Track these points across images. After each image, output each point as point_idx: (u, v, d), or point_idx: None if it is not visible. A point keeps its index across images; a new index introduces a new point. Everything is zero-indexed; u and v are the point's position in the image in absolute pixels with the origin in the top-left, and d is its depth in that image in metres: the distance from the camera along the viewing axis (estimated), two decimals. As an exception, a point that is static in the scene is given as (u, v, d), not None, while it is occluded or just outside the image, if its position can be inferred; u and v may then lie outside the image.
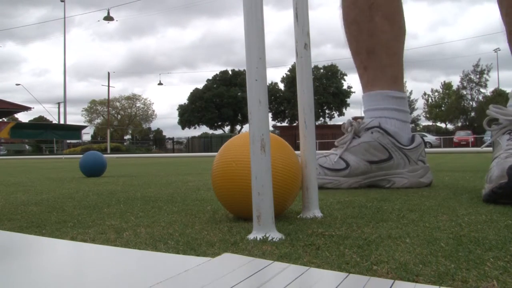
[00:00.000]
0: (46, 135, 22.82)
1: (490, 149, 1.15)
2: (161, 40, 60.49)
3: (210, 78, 35.27)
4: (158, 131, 42.14)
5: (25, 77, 60.23)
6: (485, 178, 1.04)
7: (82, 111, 41.68)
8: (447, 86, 34.57)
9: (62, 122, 28.29)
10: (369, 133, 1.36)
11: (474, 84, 31.86)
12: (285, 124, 33.11)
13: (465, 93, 32.32)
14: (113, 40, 61.63)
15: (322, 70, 32.65)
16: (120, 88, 64.59)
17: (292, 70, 31.79)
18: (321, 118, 32.85)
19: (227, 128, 35.53)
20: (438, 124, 35.32)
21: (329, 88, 32.07)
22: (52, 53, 63.93)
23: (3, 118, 27.52)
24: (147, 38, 61.23)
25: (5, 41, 54.59)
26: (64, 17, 26.33)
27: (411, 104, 36.30)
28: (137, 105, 40.68)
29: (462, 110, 32.30)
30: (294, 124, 30.17)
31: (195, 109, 33.54)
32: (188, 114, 33.89)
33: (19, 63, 63.33)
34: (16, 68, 61.42)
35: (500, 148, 1.05)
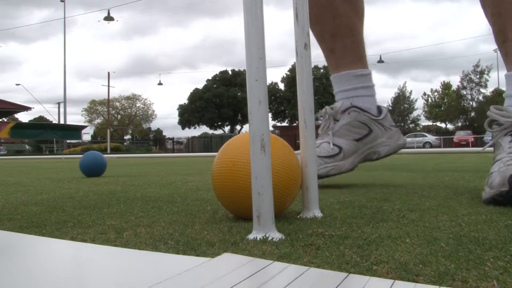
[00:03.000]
0: (46, 135, 22.81)
1: (491, 149, 1.15)
2: (163, 41, 60.52)
3: (210, 78, 35.30)
4: (158, 131, 42.14)
5: (26, 77, 60.32)
6: (486, 180, 1.03)
7: (82, 111, 41.70)
8: (446, 86, 34.57)
9: (62, 122, 28.29)
10: (347, 114, 1.43)
11: (474, 84, 31.87)
12: (285, 124, 33.11)
13: (465, 93, 32.33)
14: (115, 41, 61.62)
15: (322, 70, 32.63)
16: (121, 88, 64.61)
17: (292, 70, 31.79)
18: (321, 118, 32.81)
19: (227, 128, 35.54)
20: (438, 124, 35.33)
21: (329, 88, 32.05)
22: (54, 53, 63.94)
23: (3, 118, 27.52)
24: (149, 38, 61.26)
25: (8, 42, 54.68)
26: (64, 17, 26.33)
27: (411, 104, 36.30)
28: (137, 105, 40.70)
29: (462, 110, 32.30)
30: (294, 124, 30.17)
31: (195, 109, 33.53)
32: (188, 114, 33.89)
33: (21, 64, 63.39)
34: (18, 69, 61.48)
35: (502, 150, 1.04)
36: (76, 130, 25.05)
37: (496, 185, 0.93)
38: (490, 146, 1.16)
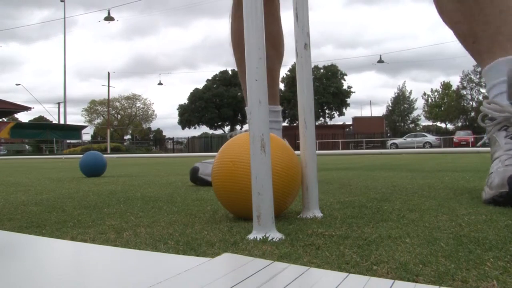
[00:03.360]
0: (46, 135, 22.82)
1: (490, 149, 1.15)
2: (163, 41, 60.53)
3: (210, 78, 35.30)
4: (158, 131, 42.15)
5: (27, 77, 60.32)
6: (485, 180, 1.03)
7: (82, 111, 41.68)
8: (446, 86, 34.58)
9: (62, 122, 28.28)
10: None
11: (474, 84, 31.87)
12: (285, 124, 33.14)
13: (465, 93, 32.33)
14: (115, 41, 61.71)
15: (322, 70, 32.63)
16: (121, 88, 64.68)
17: (292, 70, 31.75)
18: (321, 118, 32.84)
19: (227, 128, 35.53)
20: (438, 124, 35.34)
21: (329, 88, 32.04)
22: (54, 53, 64.05)
23: (3, 118, 27.52)
24: (149, 38, 61.28)
25: (9, 42, 54.70)
26: (64, 17, 26.33)
27: (411, 104, 36.30)
28: (137, 105, 40.71)
29: (462, 110, 32.31)
30: (294, 124, 30.15)
31: (195, 109, 33.54)
32: (188, 114, 33.89)
33: (22, 64, 63.39)
34: (19, 69, 61.49)
35: (499, 147, 1.03)
36: (76, 130, 25.06)
37: (495, 186, 0.92)
38: (485, 142, 1.14)
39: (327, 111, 33.04)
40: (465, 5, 1.11)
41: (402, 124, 35.41)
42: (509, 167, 0.92)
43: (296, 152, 0.86)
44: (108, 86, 27.60)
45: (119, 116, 40.75)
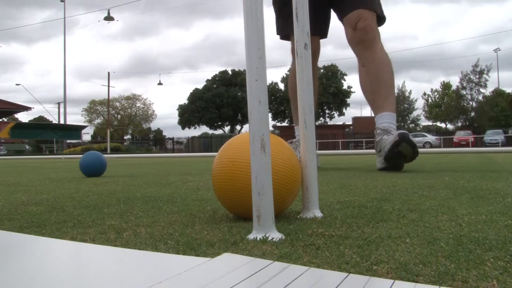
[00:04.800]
0: (46, 135, 22.82)
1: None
2: (163, 41, 60.55)
3: (210, 78, 35.31)
4: (158, 131, 42.13)
5: (28, 77, 60.35)
6: (377, 159, 2.19)
7: (82, 111, 41.69)
8: (446, 86, 34.56)
9: (62, 122, 28.29)
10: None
11: (473, 84, 31.86)
12: (285, 124, 33.11)
13: (464, 93, 32.32)
14: (116, 41, 61.67)
15: (322, 70, 32.61)
16: (122, 88, 64.68)
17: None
18: (321, 118, 32.84)
19: (227, 128, 35.54)
20: (438, 124, 35.33)
21: (329, 88, 32.03)
22: (55, 54, 64.02)
23: (3, 118, 27.51)
24: (150, 38, 61.29)
25: (10, 43, 54.71)
26: (64, 17, 26.33)
27: (410, 104, 36.29)
28: (137, 105, 40.71)
29: (462, 110, 32.29)
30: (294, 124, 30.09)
31: (195, 109, 33.53)
32: (188, 114, 33.88)
33: (23, 64, 63.40)
34: (20, 69, 61.51)
35: (385, 138, 2.26)
36: (76, 130, 25.05)
37: (389, 145, 1.92)
38: (375, 147, 2.44)
39: (327, 111, 33.04)
40: (367, 81, 2.50)
41: (402, 124, 35.41)
42: (388, 140, 2.09)
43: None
44: (108, 86, 27.60)
45: (119, 116, 40.74)
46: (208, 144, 27.83)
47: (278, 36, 2.85)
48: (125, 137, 39.55)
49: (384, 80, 2.43)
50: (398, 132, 2.09)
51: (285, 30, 2.76)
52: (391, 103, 2.47)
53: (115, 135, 37.31)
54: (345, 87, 33.70)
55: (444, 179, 1.69)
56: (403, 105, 36.12)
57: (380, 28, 2.55)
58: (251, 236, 0.66)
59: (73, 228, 0.80)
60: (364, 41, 2.42)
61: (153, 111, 45.44)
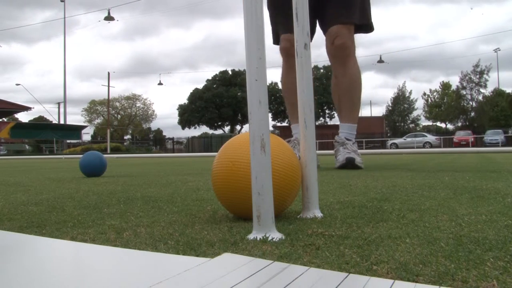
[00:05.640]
0: (46, 135, 22.83)
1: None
2: (163, 41, 60.54)
3: (210, 78, 35.31)
4: (158, 131, 42.13)
5: (28, 77, 60.32)
6: (335, 161, 2.73)
7: (82, 111, 41.68)
8: (446, 86, 34.56)
9: (62, 122, 28.28)
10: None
11: (473, 84, 31.85)
12: (285, 124, 33.11)
13: (464, 93, 32.30)
14: (116, 41, 61.65)
15: (322, 70, 32.60)
16: (122, 88, 64.75)
17: (292, 70, 31.65)
18: (321, 118, 32.83)
19: (227, 128, 35.53)
20: (438, 124, 35.32)
21: (329, 88, 32.00)
22: (55, 54, 63.98)
23: (3, 118, 27.51)
24: (150, 39, 61.28)
25: (10, 43, 54.72)
26: (64, 17, 26.32)
27: (411, 104, 36.28)
28: (137, 105, 40.71)
29: (462, 110, 32.28)
30: (294, 124, 30.06)
31: (195, 109, 33.53)
32: (188, 114, 33.88)
33: (23, 64, 63.36)
34: (20, 69, 61.48)
35: (340, 151, 2.73)
36: (76, 130, 25.06)
37: (341, 160, 2.63)
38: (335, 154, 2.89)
39: (327, 111, 33.03)
40: (336, 92, 2.83)
41: (402, 124, 35.38)
42: (342, 154, 2.69)
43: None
44: (108, 86, 27.59)
45: (119, 116, 40.73)
46: (208, 144, 27.83)
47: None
48: (125, 137, 39.56)
49: (351, 95, 2.80)
50: (346, 156, 2.62)
51: (276, 29, 2.89)
52: (355, 116, 2.85)
53: (115, 135, 37.31)
54: (345, 87, 33.56)
55: (444, 179, 1.69)
56: (403, 105, 36.09)
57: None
58: (251, 236, 0.66)
59: (73, 228, 0.80)
60: (339, 57, 2.73)
61: (153, 111, 45.51)
